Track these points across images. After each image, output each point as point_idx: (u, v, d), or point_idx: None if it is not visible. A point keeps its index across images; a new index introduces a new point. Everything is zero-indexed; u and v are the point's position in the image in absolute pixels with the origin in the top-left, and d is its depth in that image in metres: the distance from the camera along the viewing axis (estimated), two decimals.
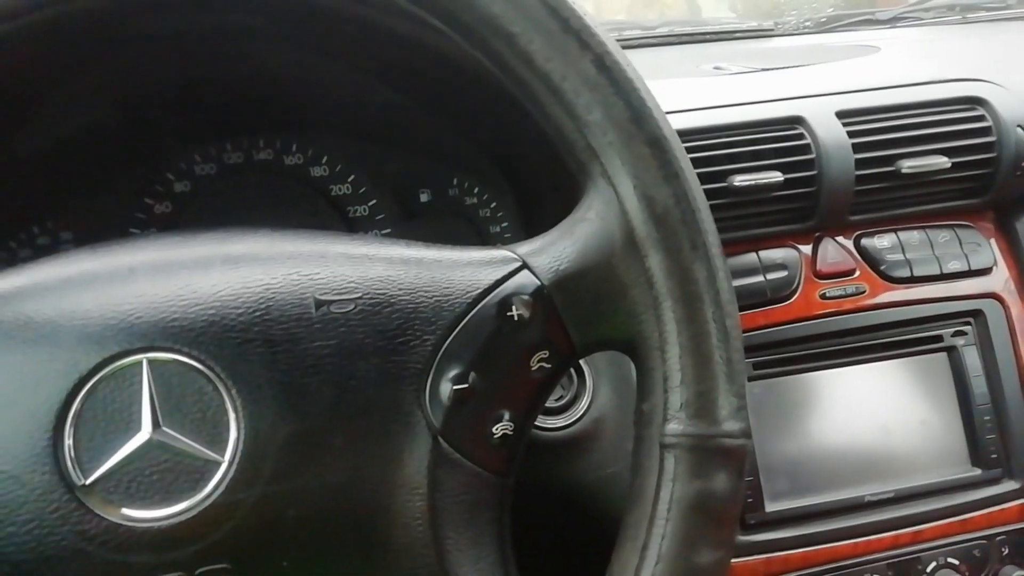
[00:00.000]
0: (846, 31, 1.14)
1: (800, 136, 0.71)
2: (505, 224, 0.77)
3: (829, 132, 0.70)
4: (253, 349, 0.37)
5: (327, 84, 0.70)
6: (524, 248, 0.42)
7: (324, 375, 0.38)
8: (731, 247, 0.72)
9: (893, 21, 1.14)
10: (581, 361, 0.64)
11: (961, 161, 0.72)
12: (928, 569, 0.71)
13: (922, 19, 1.15)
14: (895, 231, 0.75)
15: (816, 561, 0.70)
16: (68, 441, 0.35)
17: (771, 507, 0.69)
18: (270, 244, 0.41)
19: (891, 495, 0.71)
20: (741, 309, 0.71)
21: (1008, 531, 0.73)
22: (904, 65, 0.86)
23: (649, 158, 0.39)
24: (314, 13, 0.60)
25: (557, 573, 0.60)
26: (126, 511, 0.36)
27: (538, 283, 0.40)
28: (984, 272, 0.76)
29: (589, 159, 0.40)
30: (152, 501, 0.36)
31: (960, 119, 0.73)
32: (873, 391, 0.73)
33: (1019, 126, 0.73)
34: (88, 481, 0.35)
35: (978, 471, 0.73)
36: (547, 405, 0.63)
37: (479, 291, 0.40)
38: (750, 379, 0.70)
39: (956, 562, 0.71)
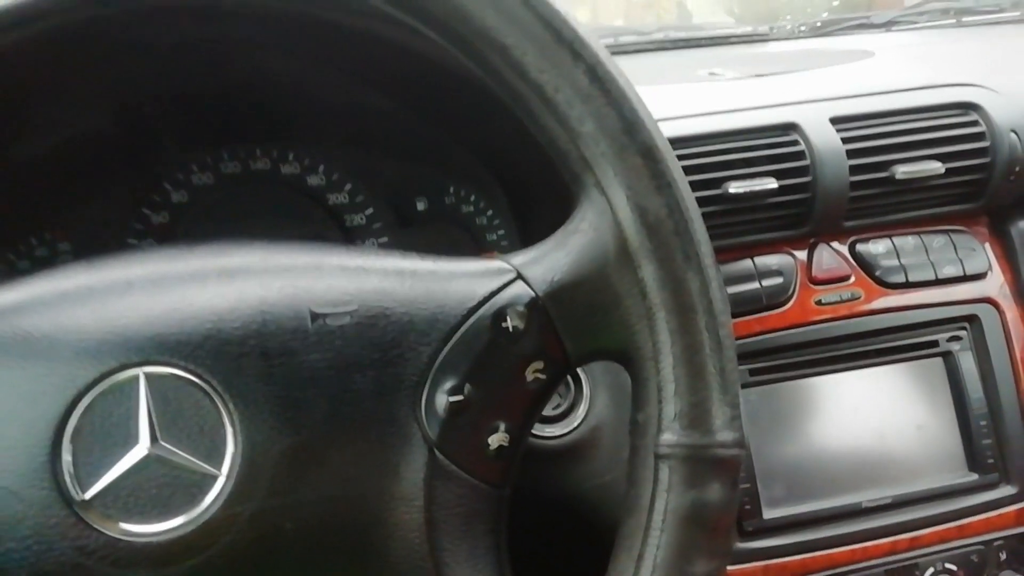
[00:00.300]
0: (841, 35, 1.14)
1: (794, 142, 0.71)
2: (502, 232, 0.77)
3: (823, 138, 0.71)
4: (249, 362, 0.37)
5: (324, 93, 0.70)
6: (518, 259, 0.42)
7: (320, 388, 0.38)
8: (726, 254, 0.72)
9: (888, 25, 1.14)
10: (578, 370, 0.64)
11: (955, 166, 0.73)
12: (926, 575, 0.71)
13: (917, 23, 1.15)
14: (890, 237, 0.76)
15: (814, 568, 0.70)
16: (66, 456, 0.35)
17: (768, 514, 0.69)
18: (266, 257, 0.41)
19: (888, 501, 0.71)
20: (737, 315, 0.72)
21: (1005, 536, 0.73)
22: (898, 70, 0.86)
23: (642, 168, 0.40)
24: (310, 23, 0.60)
25: None
26: (124, 526, 0.36)
27: (532, 294, 0.41)
28: (979, 277, 0.76)
29: (582, 170, 0.41)
30: (150, 515, 0.36)
31: (954, 124, 0.74)
32: (869, 397, 0.73)
33: (1012, 131, 0.74)
34: (87, 496, 0.35)
35: (975, 476, 0.73)
36: (544, 414, 0.63)
37: (474, 303, 0.40)
38: (746, 386, 0.70)
39: (954, 567, 0.71)
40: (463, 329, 0.40)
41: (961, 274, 0.75)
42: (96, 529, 0.35)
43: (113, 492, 0.36)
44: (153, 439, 0.36)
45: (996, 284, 0.77)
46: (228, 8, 0.58)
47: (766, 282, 0.72)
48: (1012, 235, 0.78)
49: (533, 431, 0.60)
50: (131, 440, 0.36)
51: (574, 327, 0.41)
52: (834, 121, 0.72)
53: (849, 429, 0.72)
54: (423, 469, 0.39)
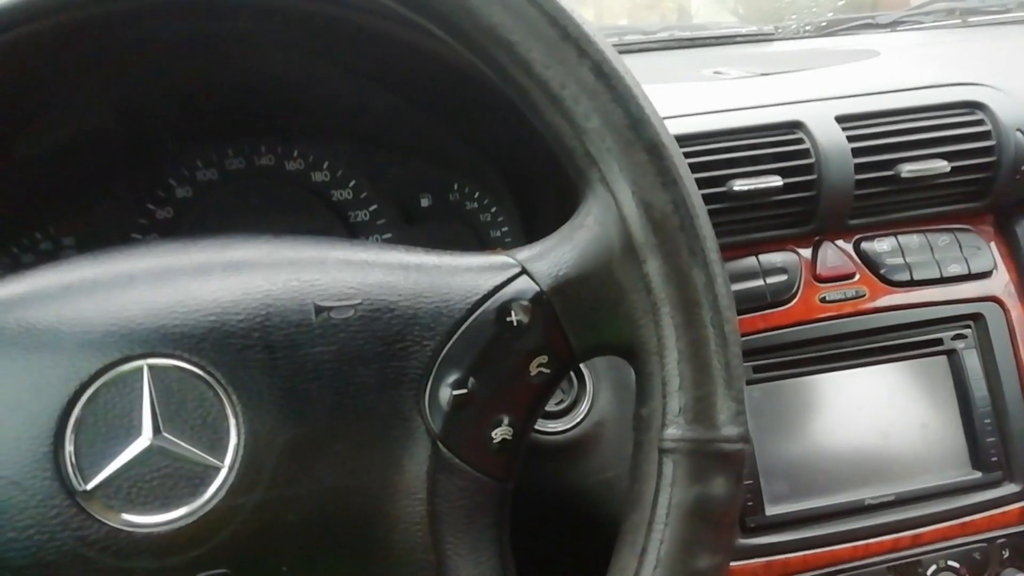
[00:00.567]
0: (846, 35, 1.14)
1: (800, 141, 0.71)
2: (505, 229, 0.77)
3: (829, 136, 0.70)
4: (253, 355, 0.37)
5: (328, 90, 0.70)
6: (523, 254, 0.42)
7: (324, 381, 0.38)
8: (731, 251, 0.72)
9: (893, 25, 1.14)
10: (581, 365, 0.64)
11: (960, 165, 0.73)
12: (928, 572, 0.71)
13: (922, 23, 1.15)
14: (895, 235, 0.76)
15: (816, 564, 0.70)
16: (69, 447, 0.36)
17: (771, 510, 0.69)
18: (270, 250, 0.41)
19: (891, 498, 0.71)
20: (741, 313, 0.72)
21: (1009, 534, 0.73)
22: (903, 69, 0.86)
23: (647, 164, 0.40)
24: (315, 20, 0.60)
25: (557, 573, 0.60)
26: (126, 516, 0.36)
27: (537, 288, 0.41)
28: (984, 275, 0.76)
29: (588, 166, 0.41)
30: (152, 506, 0.36)
31: (959, 123, 0.74)
32: (873, 394, 0.73)
33: (1018, 130, 0.73)
34: (89, 487, 0.36)
35: (978, 474, 0.73)
36: (547, 409, 0.63)
37: (478, 297, 0.41)
38: (750, 382, 0.70)
39: (956, 565, 0.71)
40: (467, 323, 0.40)
41: (966, 272, 0.75)
42: (98, 520, 0.36)
43: (115, 483, 0.36)
44: (156, 430, 0.36)
45: (1001, 283, 0.76)
46: (232, 5, 0.58)
47: (771, 279, 0.72)
48: (1017, 234, 0.78)
49: (536, 426, 0.60)
50: (134, 431, 0.36)
51: (579, 322, 0.41)
52: (840, 119, 0.72)
53: (853, 426, 0.72)
54: (426, 462, 0.39)
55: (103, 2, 0.55)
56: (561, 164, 0.43)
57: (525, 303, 0.40)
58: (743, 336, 0.70)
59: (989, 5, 1.19)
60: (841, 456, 0.71)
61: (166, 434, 0.36)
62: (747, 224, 0.71)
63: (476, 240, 0.77)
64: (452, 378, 0.40)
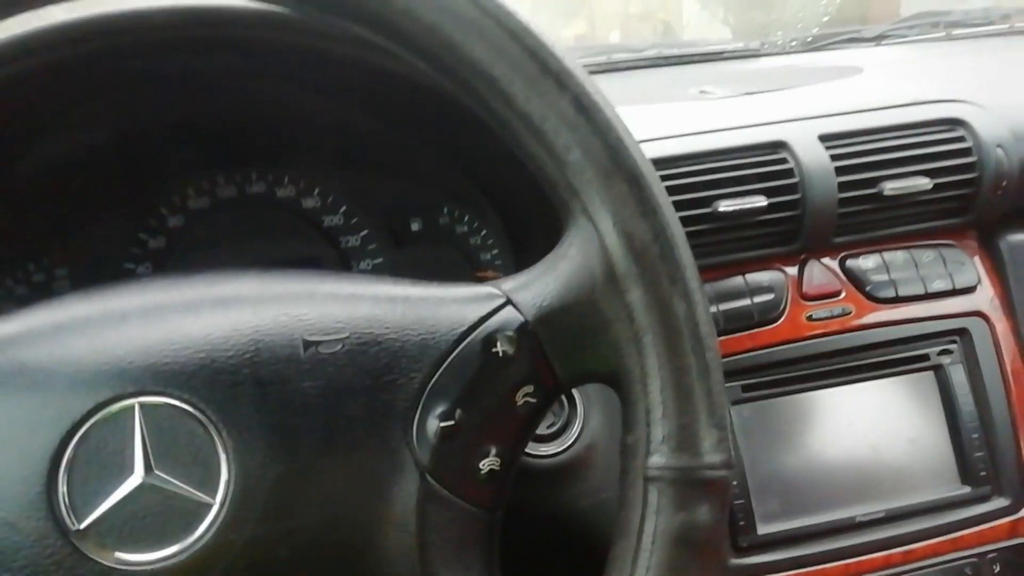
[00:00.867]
0: (832, 50, 1.15)
1: (783, 160, 0.72)
2: (495, 251, 0.78)
3: (812, 156, 0.71)
4: (243, 391, 0.38)
5: (317, 118, 0.71)
6: (508, 284, 0.43)
7: (313, 415, 0.39)
8: (717, 271, 0.73)
9: (879, 39, 1.15)
10: (572, 388, 0.65)
11: (943, 182, 0.73)
12: None
13: (907, 36, 1.16)
14: (879, 252, 0.76)
15: None
16: (62, 487, 0.36)
17: (763, 529, 0.70)
18: (259, 285, 0.42)
19: (882, 515, 0.71)
20: (729, 332, 0.72)
21: (999, 548, 0.73)
22: (886, 86, 0.87)
23: (627, 195, 0.40)
24: (303, 52, 0.61)
25: None
26: (120, 555, 0.36)
27: (522, 319, 0.41)
28: (968, 291, 0.77)
29: (570, 197, 0.41)
30: (145, 544, 0.37)
31: (941, 140, 0.74)
32: (862, 411, 0.73)
33: (998, 146, 0.74)
34: (82, 526, 0.36)
35: (968, 489, 0.73)
36: (539, 432, 0.63)
37: (464, 328, 0.41)
38: (739, 402, 0.71)
39: None
40: (454, 355, 0.41)
41: (951, 288, 0.76)
42: (92, 558, 0.36)
43: (108, 521, 0.36)
44: (148, 468, 0.37)
45: (986, 297, 0.77)
46: (222, 40, 0.59)
47: (757, 298, 0.73)
48: (1001, 248, 0.78)
49: (527, 450, 0.60)
50: (126, 470, 0.37)
51: (563, 351, 0.42)
52: (823, 139, 0.73)
53: (842, 444, 0.73)
54: (415, 494, 0.40)
55: (98, 38, 0.55)
56: (543, 193, 0.44)
57: (510, 334, 0.41)
58: (730, 355, 0.71)
59: (973, 18, 1.20)
60: (831, 473, 0.72)
61: (158, 472, 0.37)
62: (733, 244, 0.72)
63: (467, 263, 0.78)
64: (439, 410, 0.40)
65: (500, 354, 0.41)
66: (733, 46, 1.17)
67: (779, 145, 0.72)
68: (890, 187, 0.72)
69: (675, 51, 1.14)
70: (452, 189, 0.76)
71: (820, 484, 0.72)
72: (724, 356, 0.70)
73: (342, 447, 0.39)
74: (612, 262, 0.41)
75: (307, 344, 0.39)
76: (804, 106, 0.78)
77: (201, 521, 0.37)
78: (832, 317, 0.74)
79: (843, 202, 0.72)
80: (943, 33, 1.17)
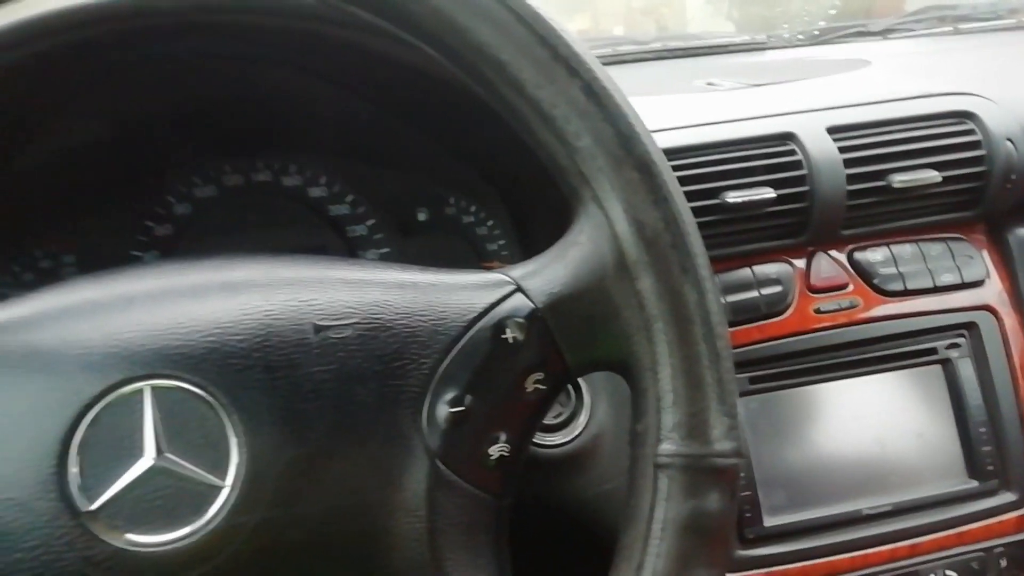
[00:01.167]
0: (839, 43, 1.15)
1: (791, 152, 0.71)
2: (502, 242, 0.78)
3: (820, 148, 0.71)
4: (253, 375, 0.38)
5: (323, 106, 0.71)
6: (518, 271, 0.43)
7: (323, 400, 0.39)
8: (725, 263, 0.73)
9: (885, 33, 1.15)
10: (579, 378, 0.65)
11: (952, 175, 0.73)
12: None
13: (914, 30, 1.16)
14: (888, 245, 0.76)
15: (814, 575, 0.70)
16: (73, 468, 0.36)
17: (769, 521, 0.70)
18: (268, 270, 0.42)
19: (888, 508, 0.71)
20: (736, 324, 0.72)
21: (1005, 543, 0.73)
22: (894, 79, 0.87)
23: (638, 183, 0.40)
24: (308, 39, 0.61)
25: None
26: (130, 536, 0.36)
27: (532, 306, 0.41)
28: (977, 284, 0.76)
29: (580, 184, 0.41)
30: (155, 526, 0.36)
31: (950, 133, 0.74)
32: (869, 404, 0.73)
33: (1008, 139, 0.74)
34: (93, 507, 0.36)
35: (975, 483, 0.73)
36: (545, 422, 0.63)
37: (474, 315, 0.41)
38: (746, 394, 0.71)
39: (954, 574, 0.71)
40: (463, 341, 0.41)
41: (959, 282, 0.76)
42: (102, 540, 0.36)
43: (119, 503, 0.36)
44: (158, 451, 0.37)
45: (994, 291, 0.77)
46: (227, 25, 0.58)
47: (765, 291, 0.73)
48: (1010, 242, 0.78)
49: (535, 440, 0.60)
50: (136, 452, 0.37)
51: (573, 338, 0.41)
52: (831, 131, 0.72)
53: (849, 437, 0.72)
54: (425, 479, 0.40)
55: (100, 24, 0.55)
56: (552, 182, 0.44)
57: (520, 320, 0.41)
58: (738, 347, 0.71)
59: (980, 12, 1.20)
60: (838, 466, 0.72)
61: (168, 454, 0.37)
62: (740, 236, 0.72)
63: (473, 253, 0.77)
64: (449, 396, 0.40)
65: (510, 341, 0.41)
66: (739, 39, 1.16)
67: (787, 137, 0.72)
68: (899, 180, 0.71)
69: (681, 44, 1.14)
70: (459, 179, 0.76)
71: (827, 477, 0.71)
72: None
73: (352, 432, 0.39)
74: (623, 249, 0.40)
75: (317, 329, 0.39)
76: (812, 98, 0.78)
77: (211, 504, 0.37)
78: (840, 310, 0.74)
79: (851, 194, 0.71)
80: (950, 27, 1.17)
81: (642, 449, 0.41)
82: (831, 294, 0.74)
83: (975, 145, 0.74)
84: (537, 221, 0.75)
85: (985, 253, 0.78)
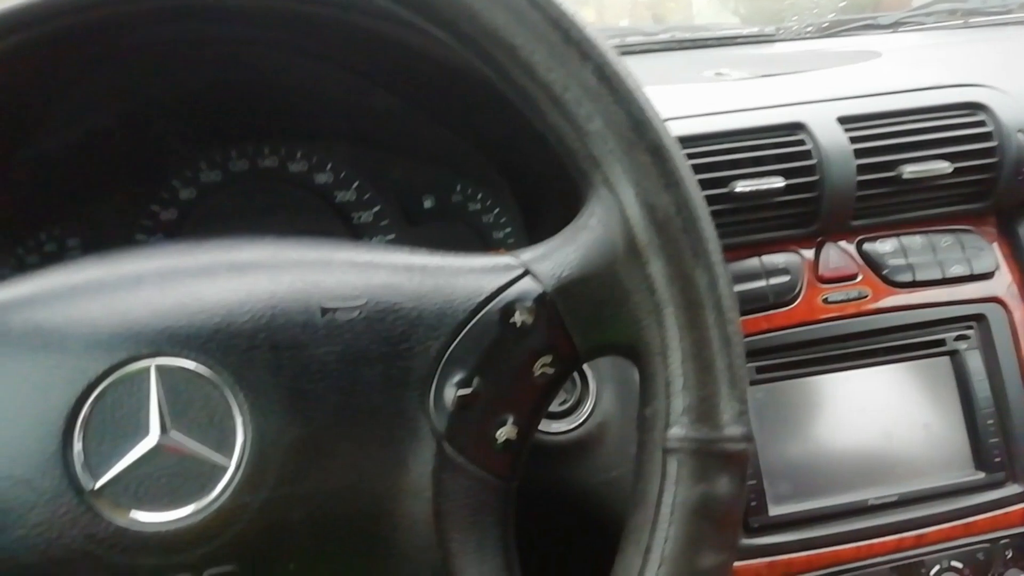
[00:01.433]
0: (848, 36, 1.14)
1: (801, 142, 0.71)
2: (508, 230, 0.78)
3: (830, 138, 0.71)
4: (259, 355, 0.38)
5: (330, 92, 0.70)
6: (527, 255, 0.42)
7: (329, 381, 0.38)
8: (733, 252, 0.72)
9: (895, 26, 1.14)
10: (584, 365, 0.65)
11: (963, 166, 0.73)
12: (931, 573, 0.71)
13: (924, 23, 1.15)
14: (897, 236, 0.76)
15: (819, 564, 0.70)
16: (77, 446, 0.36)
17: (774, 510, 0.69)
18: (276, 252, 0.41)
19: (894, 499, 0.71)
20: (744, 314, 0.71)
21: (1012, 534, 0.73)
22: (905, 70, 0.86)
23: (650, 166, 0.40)
24: (317, 23, 0.60)
25: (561, 573, 0.60)
26: (134, 514, 0.36)
27: (541, 289, 0.41)
28: (986, 276, 0.76)
29: (591, 167, 0.41)
30: (160, 504, 0.36)
31: (961, 124, 0.74)
32: (876, 395, 0.73)
33: (1020, 131, 0.73)
34: (97, 485, 0.36)
35: (982, 475, 0.73)
36: (551, 409, 0.63)
37: (482, 298, 0.41)
38: (753, 383, 0.71)
39: (960, 565, 0.71)
40: (471, 323, 0.40)
41: (968, 273, 0.75)
42: (106, 518, 0.36)
43: (123, 481, 0.36)
44: (163, 429, 0.37)
45: (1004, 283, 0.76)
46: (234, 8, 0.58)
47: (773, 280, 0.72)
48: (1020, 235, 0.77)
49: (540, 427, 0.60)
50: (141, 431, 0.37)
51: (582, 322, 0.41)
52: (842, 121, 0.72)
53: (855, 427, 0.72)
54: (431, 461, 0.39)
55: (107, 5, 0.55)
56: (562, 166, 0.43)
57: (529, 304, 0.40)
58: (746, 337, 0.70)
59: (991, 6, 1.19)
60: (844, 457, 0.72)
61: (173, 433, 0.37)
62: (749, 225, 0.71)
63: (479, 241, 0.77)
64: (457, 378, 0.40)
65: (518, 324, 0.40)
66: (748, 31, 1.16)
67: (797, 127, 0.72)
68: (909, 171, 0.71)
69: (689, 35, 1.13)
70: (466, 166, 0.76)
71: (833, 467, 0.71)
72: None
73: (358, 413, 0.39)
74: (633, 233, 0.40)
75: (324, 310, 0.39)
76: (822, 88, 0.77)
77: (216, 483, 0.37)
78: (848, 300, 0.73)
79: (861, 185, 0.71)
80: (960, 21, 1.16)
81: (651, 434, 0.41)
82: (840, 284, 0.74)
83: (987, 137, 0.73)
84: (544, 210, 0.75)
85: (995, 245, 0.78)
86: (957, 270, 0.75)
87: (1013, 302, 0.76)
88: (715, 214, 0.64)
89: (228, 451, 0.37)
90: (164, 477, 0.36)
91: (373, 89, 0.70)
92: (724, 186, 0.69)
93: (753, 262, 0.73)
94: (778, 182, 0.69)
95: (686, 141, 0.69)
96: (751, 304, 0.71)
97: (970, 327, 0.75)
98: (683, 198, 0.40)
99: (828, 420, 0.72)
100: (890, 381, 0.73)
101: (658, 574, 0.39)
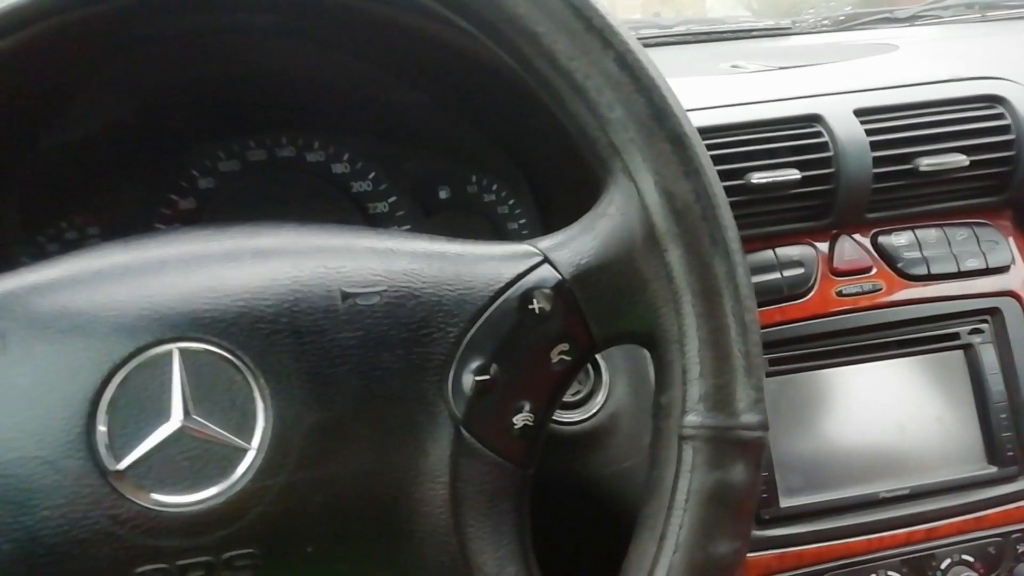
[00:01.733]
0: (864, 29, 1.13)
1: (818, 134, 0.71)
2: (523, 221, 0.78)
3: (847, 130, 0.71)
4: (281, 340, 0.38)
5: (347, 82, 0.71)
6: (545, 243, 0.43)
7: (350, 366, 0.39)
8: (748, 244, 0.71)
9: (912, 19, 1.14)
10: (597, 356, 0.65)
11: (979, 159, 0.72)
12: (942, 566, 0.71)
13: (941, 17, 1.14)
14: (912, 229, 0.75)
15: (829, 557, 0.70)
16: (101, 428, 0.36)
17: (785, 503, 0.70)
18: (298, 238, 0.42)
19: (906, 492, 0.71)
20: (758, 305, 0.71)
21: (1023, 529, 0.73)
22: (923, 63, 0.86)
23: (670, 154, 0.40)
24: (334, 11, 0.61)
25: (574, 563, 0.61)
26: (156, 496, 0.37)
27: (559, 277, 0.41)
28: (1002, 270, 0.76)
29: (610, 156, 0.41)
30: (182, 487, 0.37)
31: (979, 117, 0.73)
32: (889, 388, 0.73)
33: None
34: (120, 467, 0.36)
35: (994, 469, 0.73)
36: (564, 400, 0.63)
37: (501, 285, 0.41)
38: (766, 375, 0.70)
39: (971, 559, 0.71)
40: (490, 310, 0.41)
41: (984, 267, 0.75)
42: (129, 499, 0.36)
43: (146, 463, 0.37)
44: (186, 412, 0.37)
45: (1019, 277, 0.76)
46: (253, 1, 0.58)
47: (787, 272, 0.72)
48: None
49: (553, 416, 0.60)
50: (164, 413, 0.37)
51: (600, 310, 0.41)
52: (858, 113, 0.72)
53: (868, 420, 0.72)
54: (449, 446, 0.40)
55: None
56: (579, 158, 0.44)
57: (547, 291, 0.41)
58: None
59: (1009, 0, 1.18)
60: (856, 449, 0.72)
61: (195, 416, 0.37)
62: (764, 217, 0.71)
63: (494, 232, 0.77)
64: (475, 364, 0.40)
65: (536, 311, 0.41)
66: (764, 24, 1.15)
67: (814, 118, 0.72)
68: (926, 163, 0.71)
69: (704, 28, 1.13)
70: (482, 158, 0.76)
71: (844, 459, 0.71)
72: None
73: (378, 398, 0.39)
74: (652, 221, 0.40)
75: (345, 296, 0.39)
76: (839, 81, 0.77)
77: (237, 466, 0.37)
78: (862, 293, 0.73)
79: (877, 177, 0.71)
80: (978, 15, 1.16)
81: (666, 421, 0.41)
82: (854, 277, 0.74)
83: (1005, 130, 0.73)
84: (559, 202, 0.75)
85: (1011, 239, 0.77)
86: (972, 264, 0.75)
87: None
88: (730, 205, 0.64)
89: (249, 434, 0.37)
90: (186, 460, 0.37)
91: (391, 80, 0.70)
92: (740, 178, 0.69)
93: (767, 254, 0.73)
94: (794, 174, 0.69)
95: (702, 133, 0.68)
96: (765, 296, 0.71)
97: (984, 321, 0.75)
98: (702, 186, 0.40)
99: (840, 413, 0.72)
100: (903, 374, 0.73)
101: (673, 561, 0.39)
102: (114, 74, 0.64)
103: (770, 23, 1.15)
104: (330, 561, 0.39)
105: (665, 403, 0.41)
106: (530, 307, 0.41)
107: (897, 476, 0.71)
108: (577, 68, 0.40)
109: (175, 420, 0.37)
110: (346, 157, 0.74)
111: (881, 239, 0.75)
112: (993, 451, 0.73)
